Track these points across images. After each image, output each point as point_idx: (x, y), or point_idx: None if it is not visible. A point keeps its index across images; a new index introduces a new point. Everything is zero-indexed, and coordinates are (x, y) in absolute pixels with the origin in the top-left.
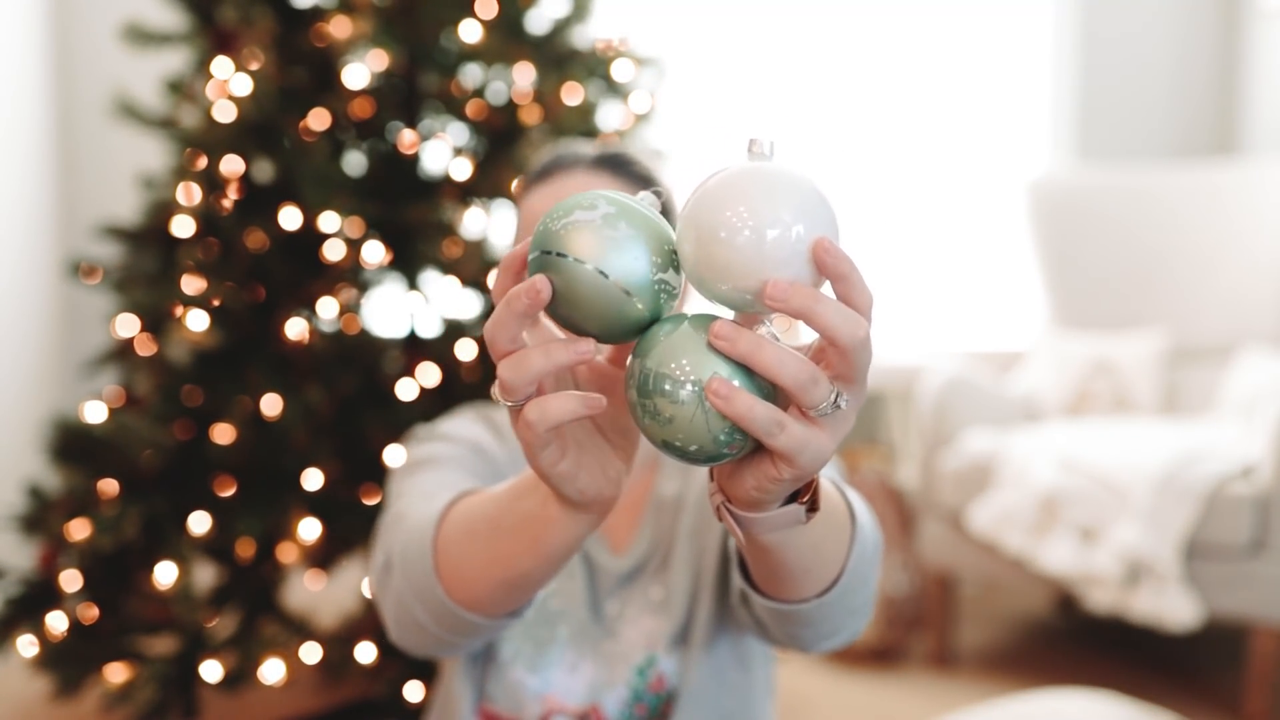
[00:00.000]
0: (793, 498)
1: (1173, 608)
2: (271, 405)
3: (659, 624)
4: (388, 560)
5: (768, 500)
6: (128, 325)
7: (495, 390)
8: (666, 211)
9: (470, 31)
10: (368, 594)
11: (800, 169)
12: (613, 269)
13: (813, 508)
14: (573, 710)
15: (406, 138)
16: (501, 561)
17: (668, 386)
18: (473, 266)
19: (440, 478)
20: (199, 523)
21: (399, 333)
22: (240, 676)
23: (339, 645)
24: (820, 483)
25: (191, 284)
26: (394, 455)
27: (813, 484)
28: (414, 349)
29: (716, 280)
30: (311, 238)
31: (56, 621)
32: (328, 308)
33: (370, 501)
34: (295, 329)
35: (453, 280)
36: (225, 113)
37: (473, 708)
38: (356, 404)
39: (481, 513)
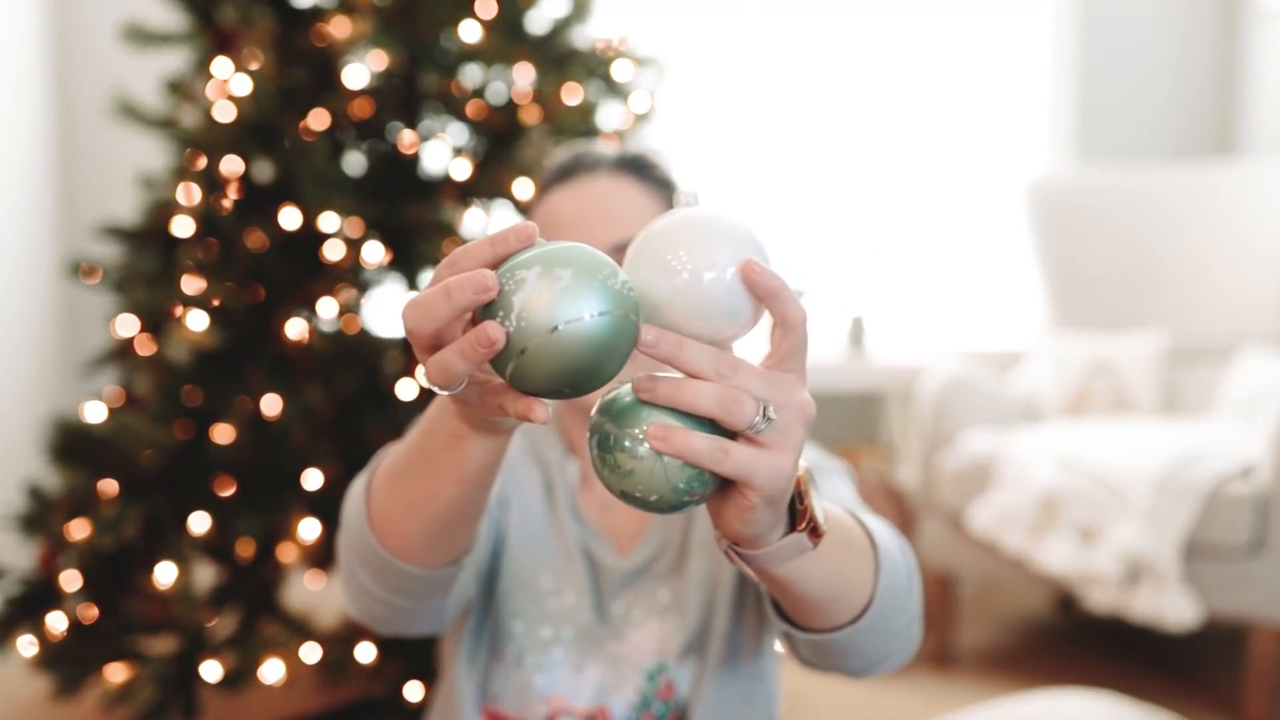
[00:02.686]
0: (794, 528)
1: (1172, 607)
2: (271, 405)
3: (668, 629)
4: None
5: (754, 533)
6: (128, 325)
7: (423, 378)
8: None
9: (470, 31)
10: None
11: (736, 213)
12: (571, 319)
13: (814, 532)
14: (580, 712)
15: (406, 138)
16: (425, 496)
17: (627, 443)
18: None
19: None
20: (199, 523)
21: (399, 333)
22: (240, 676)
23: (339, 645)
24: (819, 508)
25: (191, 284)
26: None
27: (806, 510)
28: (414, 349)
29: (664, 318)
30: (311, 238)
31: (56, 621)
32: (328, 308)
33: None
34: (295, 329)
35: None
36: (225, 113)
37: (476, 707)
38: (356, 404)
39: (403, 455)
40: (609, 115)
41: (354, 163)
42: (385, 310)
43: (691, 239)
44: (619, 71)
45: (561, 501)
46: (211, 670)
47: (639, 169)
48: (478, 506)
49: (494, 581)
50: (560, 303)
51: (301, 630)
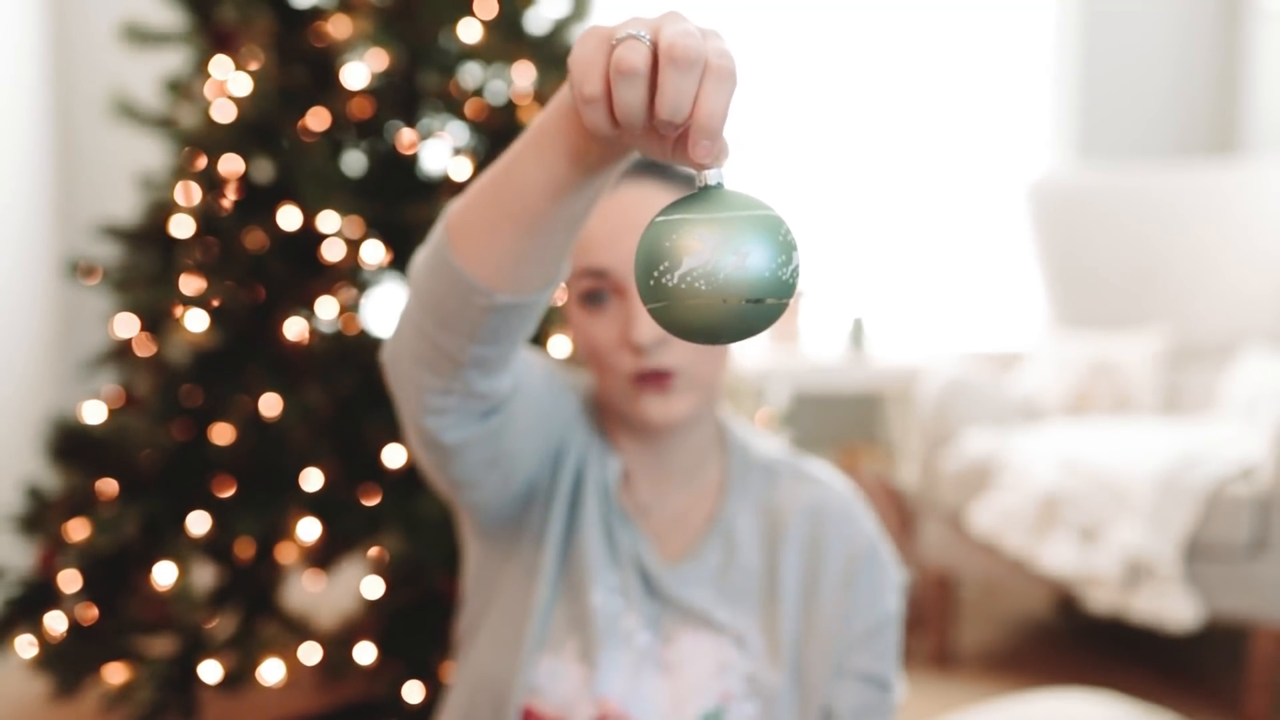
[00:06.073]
0: None
1: (1173, 608)
2: (271, 405)
3: (726, 652)
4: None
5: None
6: (127, 325)
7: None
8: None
9: (470, 31)
10: (366, 595)
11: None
12: (739, 289)
13: None
14: None
15: (406, 137)
16: (507, 199)
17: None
18: None
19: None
20: (198, 523)
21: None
22: (239, 677)
23: (338, 646)
24: None
25: (190, 284)
26: (393, 455)
27: None
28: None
29: None
30: (311, 238)
31: (55, 622)
32: (327, 308)
33: (369, 502)
34: (294, 329)
35: None
36: (224, 112)
37: (524, 695)
38: (356, 404)
39: (494, 171)
40: None
41: (353, 162)
42: (385, 310)
43: None
44: None
45: (609, 501)
46: (211, 671)
47: (660, 169)
48: (562, 223)
49: (568, 547)
50: (763, 283)
51: (301, 631)
